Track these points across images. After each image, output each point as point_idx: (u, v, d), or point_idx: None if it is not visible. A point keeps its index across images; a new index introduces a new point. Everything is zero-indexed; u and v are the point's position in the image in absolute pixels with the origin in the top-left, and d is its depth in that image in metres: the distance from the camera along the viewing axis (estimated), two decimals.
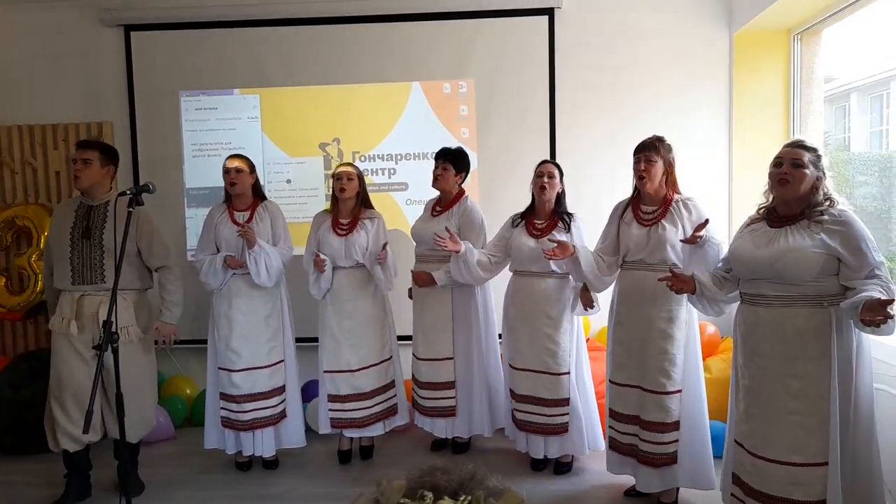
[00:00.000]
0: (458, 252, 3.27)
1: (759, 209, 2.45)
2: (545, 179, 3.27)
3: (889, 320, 2.00)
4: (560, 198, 3.33)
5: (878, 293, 2.06)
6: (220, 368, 3.42)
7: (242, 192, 3.41)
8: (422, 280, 3.47)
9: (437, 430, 3.63)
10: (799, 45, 4.02)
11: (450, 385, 3.55)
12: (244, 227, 3.30)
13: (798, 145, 2.34)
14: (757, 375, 2.35)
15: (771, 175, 2.36)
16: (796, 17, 3.83)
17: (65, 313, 3.06)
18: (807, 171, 2.27)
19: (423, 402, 3.62)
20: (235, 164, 3.38)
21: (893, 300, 2.02)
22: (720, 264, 2.60)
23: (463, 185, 3.60)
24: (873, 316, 1.99)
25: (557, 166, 3.35)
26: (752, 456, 2.35)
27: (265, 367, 3.43)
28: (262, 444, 3.46)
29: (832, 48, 4.01)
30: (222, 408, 3.43)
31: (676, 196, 2.90)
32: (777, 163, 2.34)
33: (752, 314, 2.36)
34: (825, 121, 4.13)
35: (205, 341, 3.59)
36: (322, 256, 3.39)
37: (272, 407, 3.45)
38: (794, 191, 2.29)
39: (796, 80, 4.04)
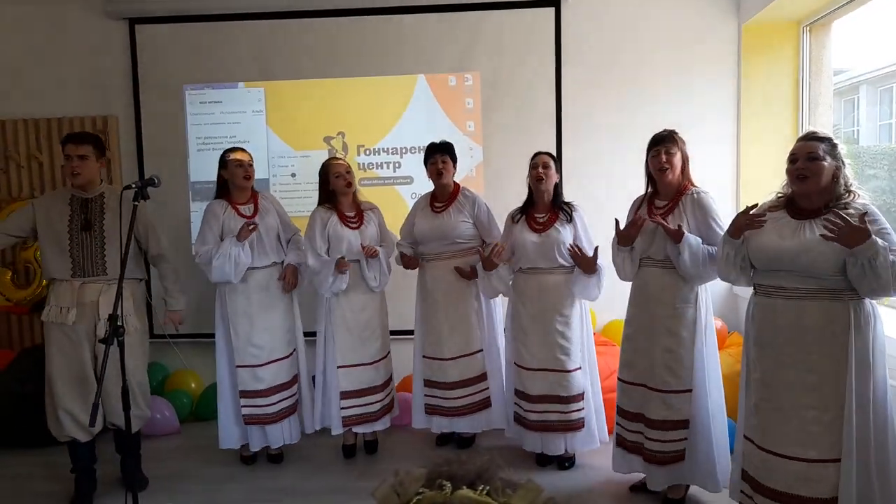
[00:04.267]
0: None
1: (779, 196, 2.39)
2: (541, 170, 3.24)
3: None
4: (557, 188, 3.31)
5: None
6: (239, 367, 3.38)
7: (252, 183, 3.43)
8: (469, 274, 3.42)
9: (463, 426, 3.56)
10: (808, 37, 3.98)
11: (482, 377, 3.53)
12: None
13: (811, 137, 2.29)
14: (770, 369, 2.30)
15: (788, 172, 2.31)
16: (806, 9, 3.79)
17: (63, 302, 3.03)
18: (824, 163, 2.23)
19: (453, 402, 3.50)
20: (247, 157, 3.39)
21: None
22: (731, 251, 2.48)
23: (467, 179, 3.58)
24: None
25: (553, 157, 3.33)
26: (760, 450, 2.31)
27: (285, 357, 3.48)
28: (291, 432, 3.50)
29: (842, 40, 3.98)
30: (245, 405, 3.39)
31: (691, 189, 2.85)
32: (792, 159, 2.29)
33: (768, 306, 2.31)
34: (834, 114, 4.09)
35: (209, 335, 3.57)
36: (347, 259, 3.35)
37: (293, 395, 3.52)
38: (814, 185, 2.24)
39: (805, 73, 4.00)
